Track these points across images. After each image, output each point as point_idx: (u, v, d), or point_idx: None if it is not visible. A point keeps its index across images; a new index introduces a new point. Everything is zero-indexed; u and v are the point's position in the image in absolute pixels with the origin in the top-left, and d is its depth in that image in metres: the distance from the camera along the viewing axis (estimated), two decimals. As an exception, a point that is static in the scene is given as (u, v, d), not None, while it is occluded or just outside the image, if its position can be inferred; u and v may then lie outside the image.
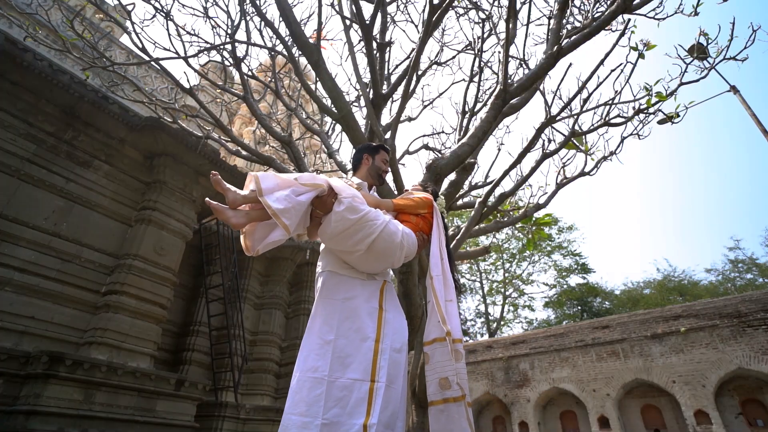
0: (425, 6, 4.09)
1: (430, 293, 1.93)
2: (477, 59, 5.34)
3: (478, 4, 5.39)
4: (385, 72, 4.96)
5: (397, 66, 5.59)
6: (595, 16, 4.33)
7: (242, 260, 8.94)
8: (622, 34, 3.99)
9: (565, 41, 3.69)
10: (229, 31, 4.71)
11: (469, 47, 5.92)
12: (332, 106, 3.99)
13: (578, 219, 63.84)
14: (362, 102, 5.90)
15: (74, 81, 5.54)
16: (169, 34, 4.63)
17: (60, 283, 5.29)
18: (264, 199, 1.55)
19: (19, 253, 5.03)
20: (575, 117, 4.39)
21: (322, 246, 1.92)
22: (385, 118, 5.84)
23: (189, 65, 4.60)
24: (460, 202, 5.38)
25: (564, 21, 4.44)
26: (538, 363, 16.69)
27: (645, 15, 3.84)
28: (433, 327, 1.85)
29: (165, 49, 4.62)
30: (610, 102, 4.41)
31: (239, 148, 5.04)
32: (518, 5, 4.63)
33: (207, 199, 1.73)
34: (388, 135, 4.23)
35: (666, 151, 72.89)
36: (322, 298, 1.77)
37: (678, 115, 4.41)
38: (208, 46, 4.82)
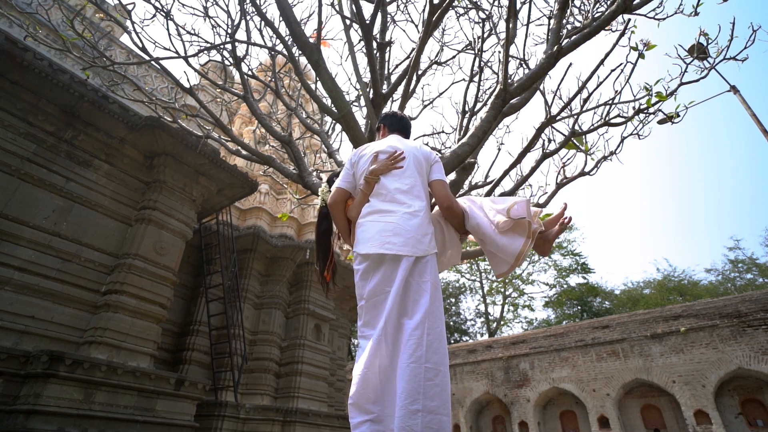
0: (425, 6, 4.09)
1: None
2: (477, 59, 5.33)
3: (478, 4, 5.38)
4: (385, 72, 4.96)
5: (397, 66, 5.58)
6: (595, 16, 4.33)
7: (242, 260, 8.94)
8: (622, 34, 3.98)
9: (565, 41, 3.69)
10: (229, 31, 4.71)
11: (469, 47, 5.91)
12: (332, 105, 3.99)
13: (578, 219, 63.83)
14: (362, 102, 5.90)
15: (74, 80, 5.54)
16: (169, 34, 4.63)
17: (60, 282, 5.29)
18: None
19: (19, 253, 5.03)
20: (575, 117, 4.38)
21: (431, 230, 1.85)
22: (385, 117, 5.81)
23: (189, 65, 4.60)
24: (460, 201, 5.37)
25: (564, 21, 4.44)
26: (538, 363, 16.70)
27: (645, 15, 3.84)
28: None
29: (165, 48, 4.62)
30: (610, 102, 4.41)
31: (239, 147, 5.04)
32: (518, 5, 4.62)
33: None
34: (388, 135, 4.22)
35: (666, 151, 72.93)
36: (437, 282, 1.72)
37: (678, 115, 4.40)
38: (208, 45, 4.81)
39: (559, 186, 5.03)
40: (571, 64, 3.79)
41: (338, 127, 6.27)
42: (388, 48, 4.88)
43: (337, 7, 4.68)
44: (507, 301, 28.88)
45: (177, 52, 4.51)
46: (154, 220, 6.20)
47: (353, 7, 4.27)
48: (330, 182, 2.38)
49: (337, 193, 1.98)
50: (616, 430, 14.06)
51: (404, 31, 5.83)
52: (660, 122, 5.41)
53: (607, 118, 4.44)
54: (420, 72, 5.45)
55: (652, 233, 64.94)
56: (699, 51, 4.67)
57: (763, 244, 37.42)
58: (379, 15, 4.74)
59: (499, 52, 4.41)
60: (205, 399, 6.42)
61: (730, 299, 13.74)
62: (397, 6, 5.84)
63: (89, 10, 7.62)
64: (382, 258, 1.69)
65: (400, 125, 2.24)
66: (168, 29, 4.61)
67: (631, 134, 4.68)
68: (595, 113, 4.52)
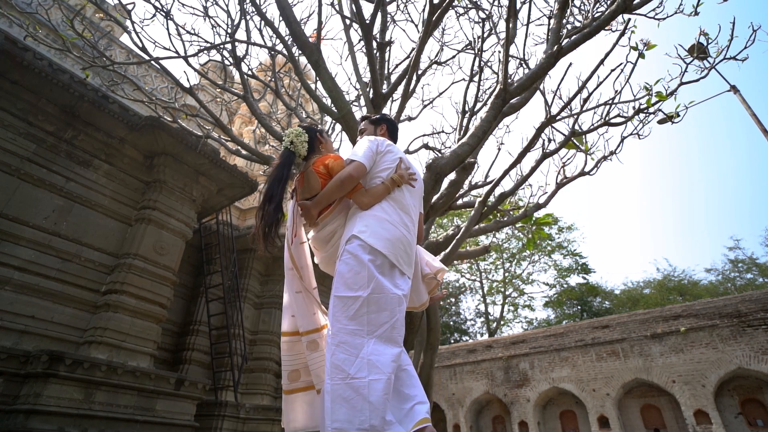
0: (425, 5, 4.10)
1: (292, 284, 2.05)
2: (477, 59, 5.34)
3: (478, 3, 5.38)
4: (385, 71, 4.96)
5: (397, 65, 5.59)
6: (595, 15, 4.33)
7: (242, 260, 8.94)
8: (622, 34, 3.99)
9: (565, 41, 3.69)
10: (229, 31, 4.72)
11: (469, 47, 5.91)
12: (332, 105, 4.00)
13: (578, 219, 63.87)
14: (362, 101, 5.90)
15: (74, 80, 5.54)
16: (169, 34, 4.64)
17: (60, 282, 5.29)
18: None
19: (19, 253, 5.03)
20: (575, 117, 4.39)
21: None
22: (385, 117, 5.81)
23: (189, 65, 4.60)
24: (460, 201, 5.39)
25: (564, 21, 4.44)
26: (537, 363, 16.70)
27: (645, 15, 3.84)
28: (286, 320, 2.00)
29: (165, 48, 4.63)
30: (610, 102, 4.41)
31: (239, 147, 5.04)
32: (518, 5, 4.63)
33: None
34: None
35: (666, 151, 72.95)
36: None
37: (678, 115, 4.41)
38: (208, 45, 4.82)
39: (559, 186, 5.04)
40: (571, 64, 3.80)
41: (338, 127, 6.27)
42: (388, 48, 4.88)
43: (337, 7, 4.68)
44: (507, 301, 28.88)
45: (177, 52, 4.51)
46: (154, 220, 6.20)
47: (353, 7, 4.27)
48: (310, 131, 2.10)
49: (361, 169, 1.86)
50: (616, 429, 14.07)
51: (404, 31, 5.83)
52: (660, 122, 5.41)
53: (607, 118, 4.44)
54: (420, 72, 5.45)
55: (652, 233, 65.00)
56: (699, 51, 4.67)
57: (763, 244, 37.46)
58: (379, 15, 4.74)
59: (499, 52, 4.41)
60: (205, 399, 6.41)
61: (730, 299, 13.75)
62: (397, 6, 5.84)
63: (89, 10, 7.62)
64: (392, 265, 1.75)
65: (396, 137, 2.34)
66: (168, 29, 4.62)
67: (631, 134, 4.68)
68: (595, 113, 4.52)
